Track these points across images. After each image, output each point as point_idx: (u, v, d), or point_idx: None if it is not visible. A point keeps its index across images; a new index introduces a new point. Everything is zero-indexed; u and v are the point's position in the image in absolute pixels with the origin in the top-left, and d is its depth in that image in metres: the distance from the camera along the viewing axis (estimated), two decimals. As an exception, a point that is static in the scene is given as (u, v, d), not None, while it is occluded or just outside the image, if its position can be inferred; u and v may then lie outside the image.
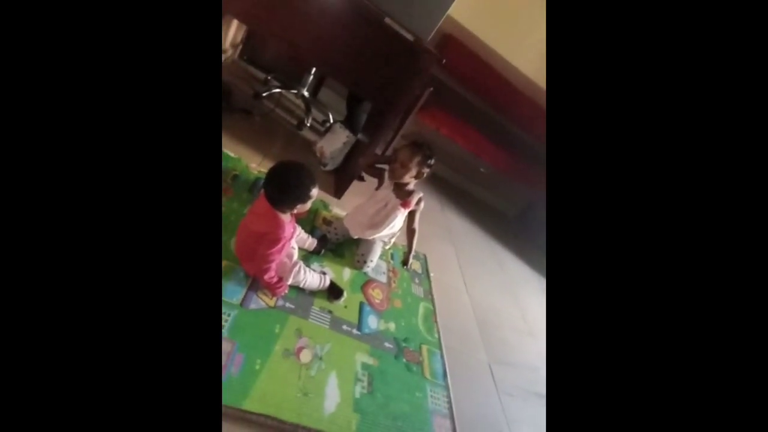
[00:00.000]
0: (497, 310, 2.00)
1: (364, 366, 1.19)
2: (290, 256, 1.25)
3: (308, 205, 1.12)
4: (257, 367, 1.00)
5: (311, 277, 1.27)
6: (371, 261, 1.54)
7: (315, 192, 1.10)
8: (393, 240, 1.66)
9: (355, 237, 1.59)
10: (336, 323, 1.26)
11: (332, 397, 1.06)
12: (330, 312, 1.29)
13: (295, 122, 2.31)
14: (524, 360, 1.80)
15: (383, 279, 1.59)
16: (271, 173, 1.07)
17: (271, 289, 1.17)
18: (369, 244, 1.57)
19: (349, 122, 2.19)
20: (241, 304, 1.11)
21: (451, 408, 1.25)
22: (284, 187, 1.06)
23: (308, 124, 2.30)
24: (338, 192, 1.90)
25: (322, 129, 2.35)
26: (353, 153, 1.97)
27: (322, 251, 1.49)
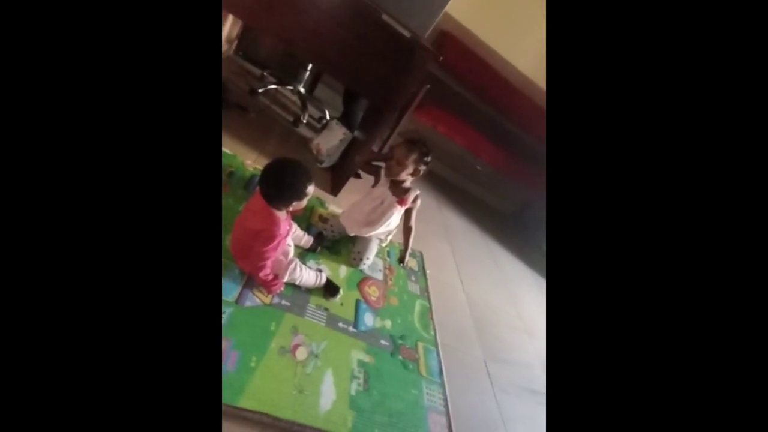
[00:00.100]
0: (493, 307, 2.01)
1: (360, 363, 1.19)
2: (286, 254, 1.25)
3: (304, 202, 1.11)
4: (253, 364, 1.00)
5: (307, 275, 1.27)
6: (367, 258, 1.54)
7: (311, 189, 1.10)
8: (389, 237, 1.65)
9: (352, 234, 1.59)
10: (332, 321, 1.26)
11: (328, 394, 1.06)
12: (326, 309, 1.28)
13: (291, 119, 2.30)
14: (520, 357, 1.81)
15: (379, 276, 1.59)
16: (267, 170, 1.07)
17: (267, 286, 1.17)
18: (365, 242, 1.56)
19: (346, 119, 2.18)
20: (237, 302, 1.11)
21: (446, 405, 1.26)
22: (280, 184, 1.06)
23: (304, 121, 2.28)
24: (334, 189, 1.89)
25: (319, 126, 2.34)
26: (350, 150, 1.96)
27: (318, 249, 1.48)
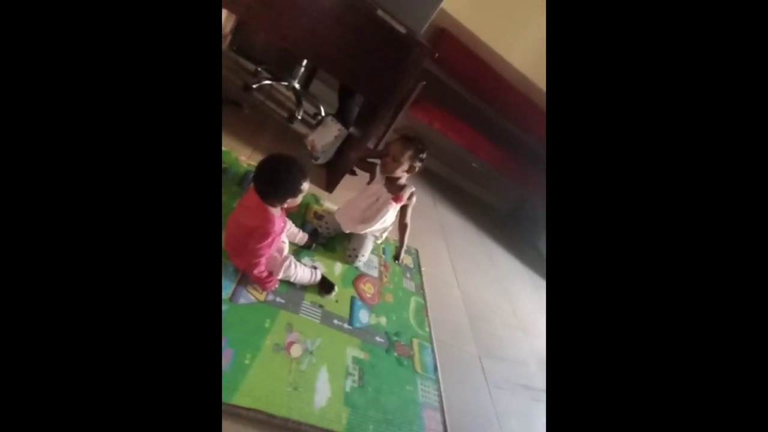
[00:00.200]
0: (488, 304, 2.02)
1: (355, 360, 1.19)
2: (280, 251, 1.24)
3: (299, 199, 1.11)
4: (247, 362, 0.99)
5: (302, 272, 1.26)
6: (363, 255, 1.54)
7: (306, 186, 1.09)
8: (385, 235, 1.65)
9: (347, 231, 1.58)
10: (327, 318, 1.26)
11: (323, 391, 1.06)
12: (321, 306, 1.28)
13: (285, 115, 2.28)
14: (514, 354, 1.82)
15: (375, 273, 1.59)
16: (261, 166, 1.06)
17: (261, 283, 1.16)
18: (360, 239, 1.56)
19: (341, 115, 2.16)
20: (231, 299, 1.10)
21: (441, 401, 1.26)
22: (274, 180, 1.05)
23: (299, 117, 2.27)
24: (330, 186, 1.89)
25: (314, 122, 2.32)
26: (345, 147, 1.95)
27: (313, 246, 1.48)
